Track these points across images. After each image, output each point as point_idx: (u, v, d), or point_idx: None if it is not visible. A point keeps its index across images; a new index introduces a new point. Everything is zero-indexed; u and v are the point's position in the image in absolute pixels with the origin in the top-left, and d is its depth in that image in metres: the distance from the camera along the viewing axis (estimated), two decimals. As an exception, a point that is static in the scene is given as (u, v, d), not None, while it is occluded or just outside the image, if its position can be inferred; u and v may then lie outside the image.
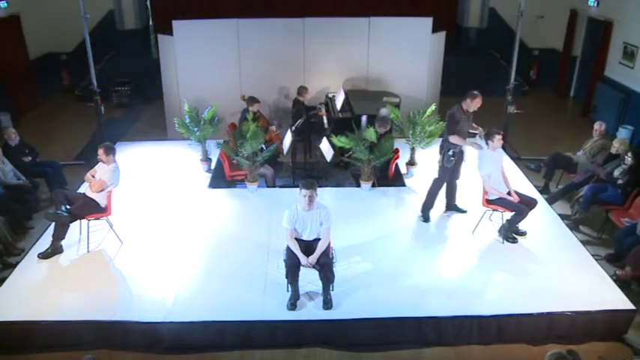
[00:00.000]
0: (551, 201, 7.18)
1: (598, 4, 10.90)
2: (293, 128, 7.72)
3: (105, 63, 11.45)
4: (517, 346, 4.98)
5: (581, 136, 8.50)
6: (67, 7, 10.01)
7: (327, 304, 5.05)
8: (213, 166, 8.11)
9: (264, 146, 7.21)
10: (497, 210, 6.22)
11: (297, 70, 9.29)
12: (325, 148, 7.48)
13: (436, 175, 6.54)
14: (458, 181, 6.67)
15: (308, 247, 5.10)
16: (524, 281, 5.47)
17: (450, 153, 6.25)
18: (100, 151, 5.92)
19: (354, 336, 4.98)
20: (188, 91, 9.00)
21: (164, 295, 5.24)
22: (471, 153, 6.45)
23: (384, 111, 7.90)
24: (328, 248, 5.11)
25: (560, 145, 8.62)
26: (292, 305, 5.04)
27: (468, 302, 5.14)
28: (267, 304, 5.13)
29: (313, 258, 4.99)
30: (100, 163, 6.04)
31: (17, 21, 10.76)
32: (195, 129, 7.83)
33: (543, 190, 7.57)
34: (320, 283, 5.08)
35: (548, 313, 4.99)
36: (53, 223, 5.95)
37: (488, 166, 6.02)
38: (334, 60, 9.30)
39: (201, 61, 9.02)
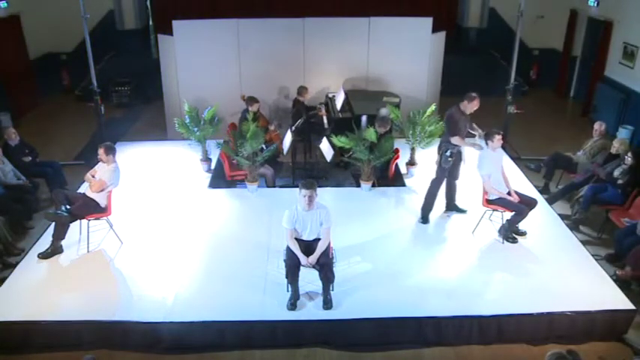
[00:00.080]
0: (551, 201, 7.18)
1: (598, 4, 10.90)
2: (293, 128, 7.72)
3: (105, 63, 11.45)
4: (517, 346, 4.98)
5: (581, 136, 8.50)
6: (67, 7, 10.01)
7: (327, 304, 5.06)
8: (213, 166, 8.11)
9: (264, 146, 7.21)
10: (497, 210, 6.22)
11: (297, 70, 9.29)
12: (325, 148, 7.48)
13: (434, 176, 6.55)
14: (457, 182, 6.67)
15: (308, 247, 5.09)
16: (524, 281, 5.47)
17: (448, 154, 6.26)
18: (101, 151, 5.92)
19: (354, 336, 4.98)
20: (188, 91, 9.00)
21: (164, 295, 5.24)
22: (470, 153, 6.45)
23: (384, 111, 7.90)
24: (328, 248, 5.11)
25: (560, 145, 8.62)
26: (292, 305, 5.04)
27: (468, 302, 5.14)
28: (267, 304, 5.13)
29: (313, 258, 4.99)
30: (100, 163, 6.04)
31: (17, 21, 10.76)
32: (195, 129, 7.83)
33: (543, 190, 7.57)
34: (320, 283, 5.08)
35: (548, 313, 4.99)
36: (53, 223, 5.95)
37: (488, 166, 6.02)
38: (334, 60, 9.30)
39: (201, 61, 9.02)
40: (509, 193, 6.10)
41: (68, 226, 5.86)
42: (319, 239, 5.08)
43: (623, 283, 5.46)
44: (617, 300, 5.16)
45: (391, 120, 7.70)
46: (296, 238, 5.11)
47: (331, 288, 5.11)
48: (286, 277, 5.03)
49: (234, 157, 7.15)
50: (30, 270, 5.62)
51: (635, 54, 9.53)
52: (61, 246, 5.89)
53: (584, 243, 6.25)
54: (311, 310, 5.07)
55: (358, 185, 7.43)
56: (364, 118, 7.93)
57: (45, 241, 5.97)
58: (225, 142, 7.54)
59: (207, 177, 7.85)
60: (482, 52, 12.39)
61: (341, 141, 7.09)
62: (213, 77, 9.08)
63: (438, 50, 9.76)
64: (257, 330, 4.95)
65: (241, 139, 7.01)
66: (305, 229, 5.09)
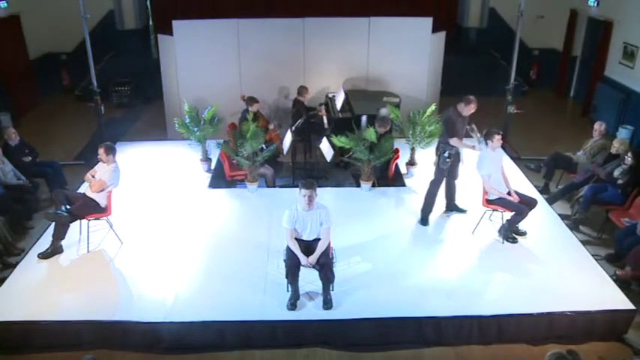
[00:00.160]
0: (551, 201, 7.18)
1: (598, 4, 10.90)
2: (293, 128, 7.72)
3: (105, 63, 11.45)
4: (517, 346, 4.98)
5: (581, 136, 8.50)
6: (67, 7, 10.01)
7: (327, 304, 5.05)
8: (213, 166, 8.11)
9: (264, 146, 7.21)
10: (497, 210, 6.22)
11: (297, 70, 9.29)
12: (325, 148, 7.48)
13: (432, 177, 6.55)
14: (457, 182, 6.67)
15: (308, 247, 5.10)
16: (524, 281, 5.47)
17: (446, 154, 6.27)
18: (101, 151, 5.92)
19: (354, 336, 4.98)
20: (188, 91, 9.00)
21: (164, 295, 5.24)
22: (469, 153, 6.45)
23: (384, 111, 7.90)
24: (328, 248, 5.11)
25: (560, 145, 8.62)
26: (292, 305, 5.05)
27: (468, 302, 5.14)
28: (267, 304, 5.13)
29: (313, 258, 4.99)
30: (100, 163, 6.04)
31: (17, 21, 10.76)
32: (195, 129, 7.83)
33: (543, 190, 7.57)
34: (320, 283, 5.08)
35: (548, 313, 4.99)
36: (53, 223, 5.95)
37: (488, 166, 6.02)
38: (334, 60, 9.30)
39: (201, 61, 9.02)
40: (509, 193, 6.10)
41: (68, 226, 5.86)
42: (319, 239, 5.08)
43: (623, 283, 5.46)
44: (617, 300, 5.16)
45: (391, 120, 7.70)
46: (296, 238, 5.11)
47: (331, 288, 5.11)
48: (286, 277, 5.03)
49: (234, 157, 7.15)
50: (30, 270, 5.62)
51: (635, 54, 9.53)
52: (61, 246, 5.89)
53: (584, 243, 6.25)
54: (311, 310, 5.07)
55: (358, 185, 7.43)
56: (364, 118, 7.93)
57: (45, 241, 5.97)
58: (225, 142, 7.54)
59: (207, 177, 7.85)
60: (482, 52, 12.38)
61: (341, 141, 7.09)
62: (213, 77, 9.08)
63: (438, 50, 9.76)
64: (257, 330, 4.95)
65: (241, 139, 7.01)
66: (305, 229, 5.09)
